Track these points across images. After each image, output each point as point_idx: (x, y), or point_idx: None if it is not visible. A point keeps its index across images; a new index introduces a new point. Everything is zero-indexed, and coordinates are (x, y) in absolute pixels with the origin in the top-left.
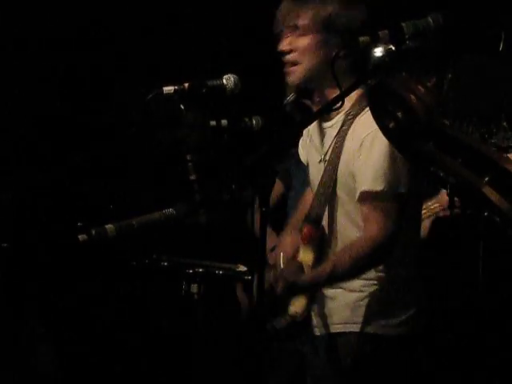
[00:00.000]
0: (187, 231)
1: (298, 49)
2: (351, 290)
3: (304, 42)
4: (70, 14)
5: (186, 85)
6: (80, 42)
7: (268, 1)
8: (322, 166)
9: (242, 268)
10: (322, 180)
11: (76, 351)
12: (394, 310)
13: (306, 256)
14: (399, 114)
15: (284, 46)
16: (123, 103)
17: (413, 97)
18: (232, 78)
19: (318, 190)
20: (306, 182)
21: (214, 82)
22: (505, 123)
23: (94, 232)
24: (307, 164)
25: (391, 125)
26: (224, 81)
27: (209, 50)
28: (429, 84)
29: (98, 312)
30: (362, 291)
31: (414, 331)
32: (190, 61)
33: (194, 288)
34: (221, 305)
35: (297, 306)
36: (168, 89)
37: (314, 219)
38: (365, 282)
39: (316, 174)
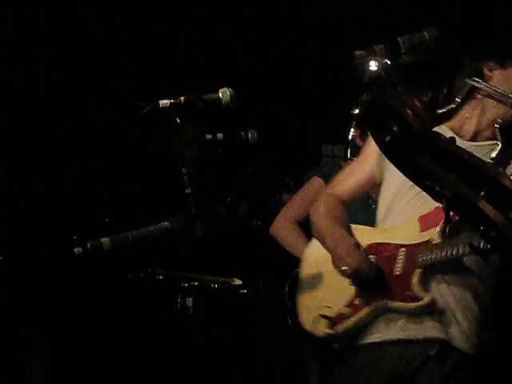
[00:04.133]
0: (183, 245)
1: None
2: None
3: None
4: (67, 24)
5: (182, 98)
6: (77, 54)
7: (265, 15)
8: None
9: (238, 281)
10: None
11: (71, 364)
12: None
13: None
14: (395, 128)
15: None
16: (119, 116)
17: (409, 111)
18: (228, 92)
19: None
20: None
21: (210, 96)
22: (499, 137)
23: (89, 245)
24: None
25: (387, 139)
26: (220, 94)
27: (205, 64)
28: (425, 98)
29: (93, 325)
30: None
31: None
32: (186, 74)
33: (189, 301)
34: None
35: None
36: (164, 102)
37: None
38: None
39: None
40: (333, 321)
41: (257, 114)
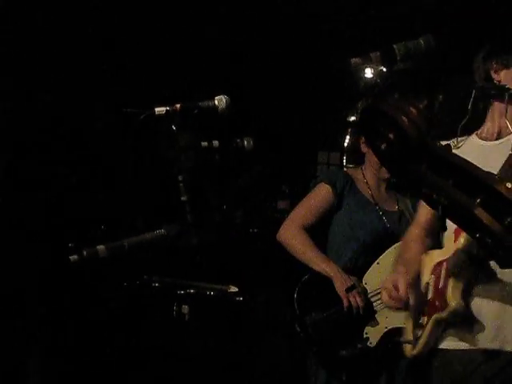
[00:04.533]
0: (179, 252)
1: None
2: None
3: None
4: (64, 26)
5: (178, 106)
6: (71, 61)
7: (261, 23)
8: None
9: (233, 289)
10: None
11: (65, 370)
12: None
13: None
14: (391, 136)
15: None
16: (115, 123)
17: (404, 118)
18: (224, 99)
19: None
20: (361, 210)
21: (206, 103)
22: None
23: (85, 253)
24: None
25: (383, 146)
26: (216, 102)
27: (201, 71)
28: (420, 105)
29: (89, 332)
30: None
31: None
32: (182, 82)
33: (185, 309)
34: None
35: (372, 333)
36: (160, 109)
37: None
38: None
39: None
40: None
41: (253, 122)
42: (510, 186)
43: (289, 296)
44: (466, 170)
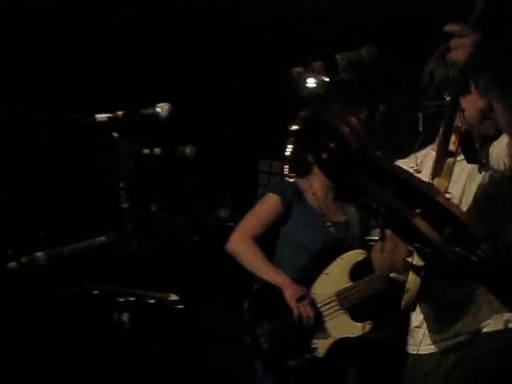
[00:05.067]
0: (119, 260)
1: None
2: None
3: None
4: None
5: (120, 113)
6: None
7: (201, 32)
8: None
9: (174, 297)
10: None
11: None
12: None
13: None
14: (332, 145)
15: None
16: (56, 130)
17: (346, 128)
18: (166, 107)
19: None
20: (309, 221)
21: (148, 111)
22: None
23: (24, 259)
24: None
25: (324, 155)
26: (158, 109)
27: (143, 79)
28: (362, 116)
29: (27, 340)
30: None
31: None
32: (124, 89)
33: (125, 317)
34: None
35: (321, 344)
36: (101, 116)
37: None
38: None
39: None
40: None
41: (195, 130)
42: (448, 197)
43: (236, 305)
44: (406, 181)
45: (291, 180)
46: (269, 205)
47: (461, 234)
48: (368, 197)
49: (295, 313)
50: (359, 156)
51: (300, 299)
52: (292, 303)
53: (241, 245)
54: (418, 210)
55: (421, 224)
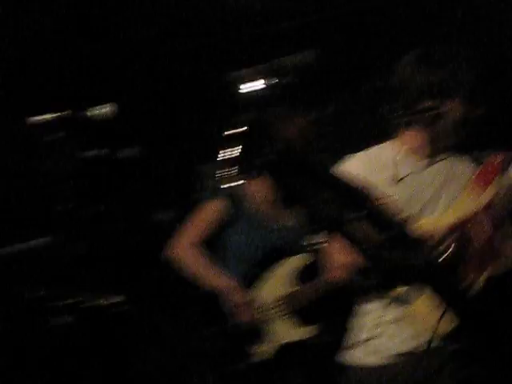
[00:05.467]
0: (60, 262)
1: None
2: None
3: None
4: None
5: (61, 114)
6: None
7: (143, 34)
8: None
9: (118, 298)
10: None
11: None
12: None
13: None
14: (277, 147)
15: None
16: None
17: (290, 130)
18: (108, 108)
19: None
20: (253, 225)
21: (91, 112)
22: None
23: None
24: None
25: (269, 158)
26: (100, 110)
27: (88, 80)
28: (308, 118)
29: None
30: None
31: None
32: (69, 90)
33: (68, 319)
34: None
35: (266, 347)
36: (44, 117)
37: None
38: None
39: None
40: None
41: (136, 132)
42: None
43: (181, 308)
44: (342, 186)
45: (233, 184)
46: (211, 209)
47: (399, 238)
48: (309, 199)
49: (240, 317)
50: (303, 158)
51: (245, 303)
52: (237, 307)
53: (181, 252)
54: (356, 214)
55: (362, 228)
